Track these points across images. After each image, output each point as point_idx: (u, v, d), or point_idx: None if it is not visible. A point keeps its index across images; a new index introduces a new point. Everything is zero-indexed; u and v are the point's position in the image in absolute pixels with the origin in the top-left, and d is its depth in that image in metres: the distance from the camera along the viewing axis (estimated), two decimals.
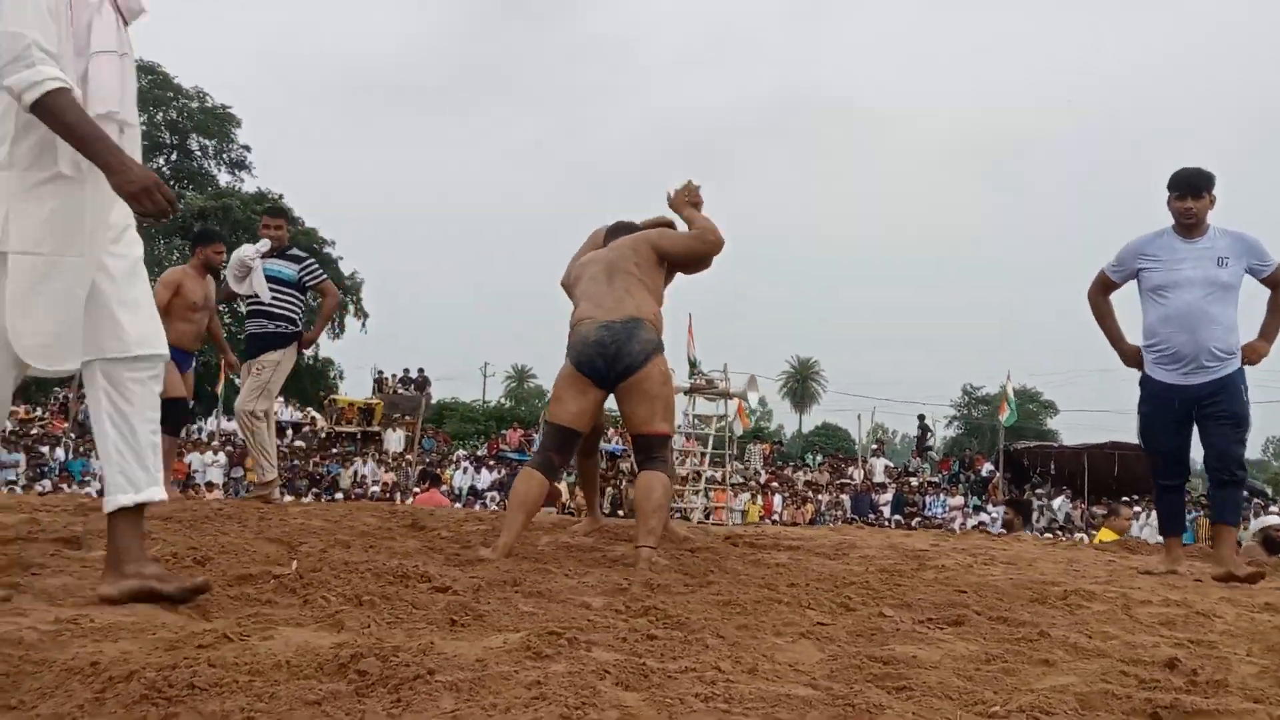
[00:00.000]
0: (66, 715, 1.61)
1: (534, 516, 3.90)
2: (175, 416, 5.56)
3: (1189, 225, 4.27)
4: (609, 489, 20.20)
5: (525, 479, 3.75)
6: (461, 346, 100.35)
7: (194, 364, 6.42)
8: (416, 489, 18.77)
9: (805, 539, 4.85)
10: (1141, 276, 4.39)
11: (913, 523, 19.29)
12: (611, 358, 3.74)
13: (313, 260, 6.29)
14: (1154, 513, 11.89)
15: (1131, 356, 4.50)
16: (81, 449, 21.35)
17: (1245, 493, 7.53)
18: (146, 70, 31.80)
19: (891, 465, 27.12)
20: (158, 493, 2.44)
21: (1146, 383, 4.42)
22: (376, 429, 27.19)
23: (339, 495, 20.65)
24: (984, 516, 20.38)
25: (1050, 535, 14.45)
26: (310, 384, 34.47)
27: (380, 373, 32.37)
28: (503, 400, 53.12)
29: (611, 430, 20.96)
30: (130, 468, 2.39)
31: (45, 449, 21.66)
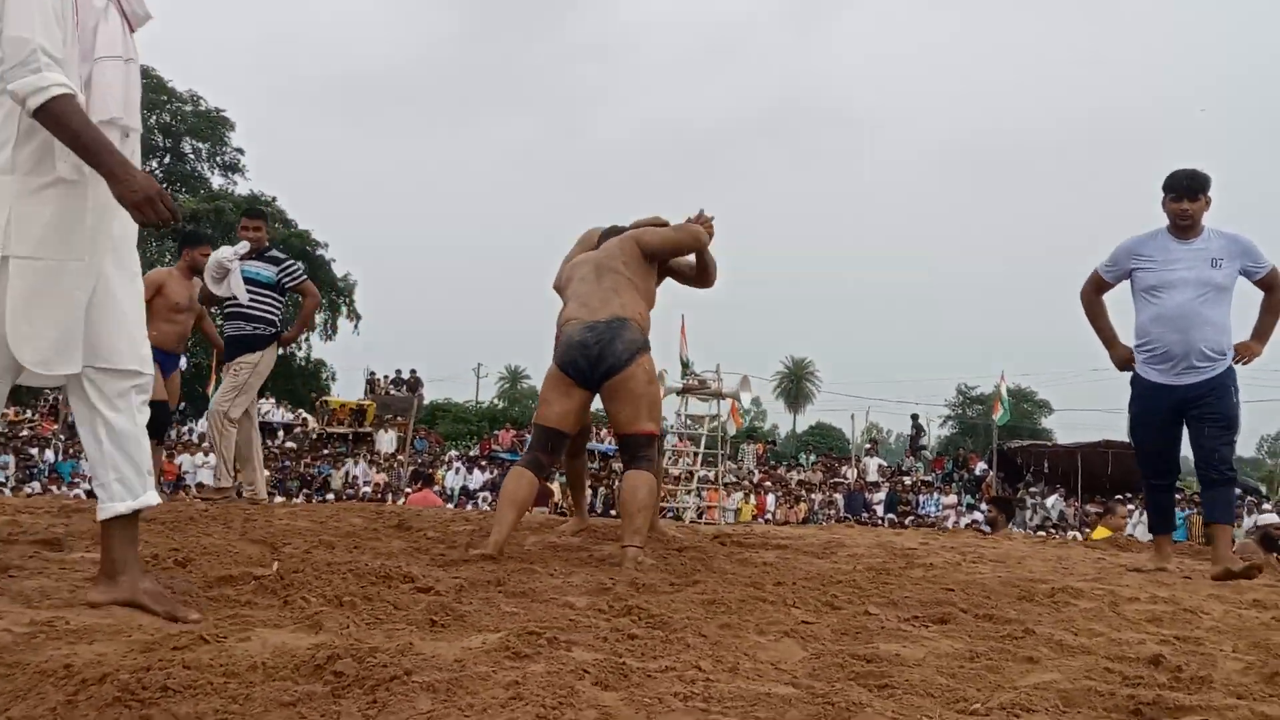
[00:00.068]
0: (38, 718, 1.60)
1: (524, 515, 3.89)
2: (156, 421, 5.51)
3: (1184, 226, 4.26)
4: (601, 489, 20.19)
5: (515, 477, 3.74)
6: (455, 348, 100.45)
7: (180, 366, 6.38)
8: (408, 489, 18.71)
9: (794, 538, 4.85)
10: (1135, 277, 4.38)
11: (905, 521, 19.29)
12: (595, 358, 3.72)
13: (293, 262, 6.24)
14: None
15: (1123, 360, 4.49)
16: (71, 451, 21.23)
17: (1238, 490, 7.53)
18: (141, 73, 31.57)
19: (885, 464, 27.13)
20: (152, 498, 2.42)
21: (1137, 382, 4.41)
22: (368, 430, 27.13)
23: (330, 496, 20.60)
24: (977, 515, 20.38)
25: (1043, 533, 14.48)
26: (302, 385, 34.42)
27: (372, 374, 32.35)
28: (496, 401, 53.10)
29: (604, 430, 20.95)
30: (124, 474, 2.37)
31: (34, 450, 21.59)
